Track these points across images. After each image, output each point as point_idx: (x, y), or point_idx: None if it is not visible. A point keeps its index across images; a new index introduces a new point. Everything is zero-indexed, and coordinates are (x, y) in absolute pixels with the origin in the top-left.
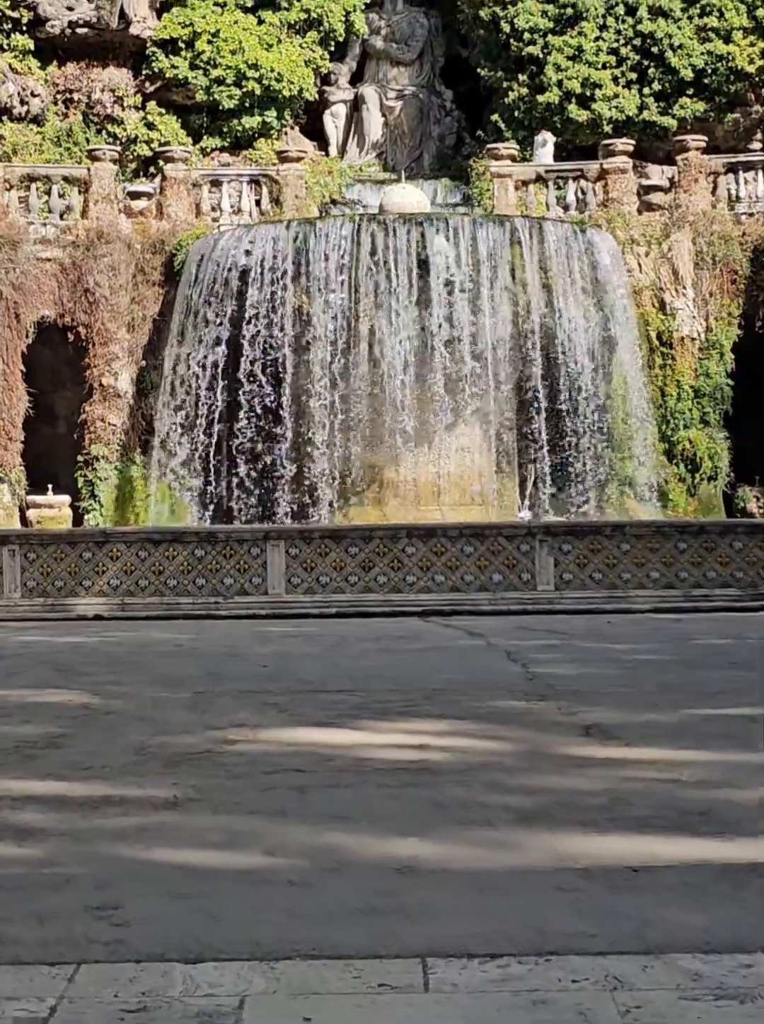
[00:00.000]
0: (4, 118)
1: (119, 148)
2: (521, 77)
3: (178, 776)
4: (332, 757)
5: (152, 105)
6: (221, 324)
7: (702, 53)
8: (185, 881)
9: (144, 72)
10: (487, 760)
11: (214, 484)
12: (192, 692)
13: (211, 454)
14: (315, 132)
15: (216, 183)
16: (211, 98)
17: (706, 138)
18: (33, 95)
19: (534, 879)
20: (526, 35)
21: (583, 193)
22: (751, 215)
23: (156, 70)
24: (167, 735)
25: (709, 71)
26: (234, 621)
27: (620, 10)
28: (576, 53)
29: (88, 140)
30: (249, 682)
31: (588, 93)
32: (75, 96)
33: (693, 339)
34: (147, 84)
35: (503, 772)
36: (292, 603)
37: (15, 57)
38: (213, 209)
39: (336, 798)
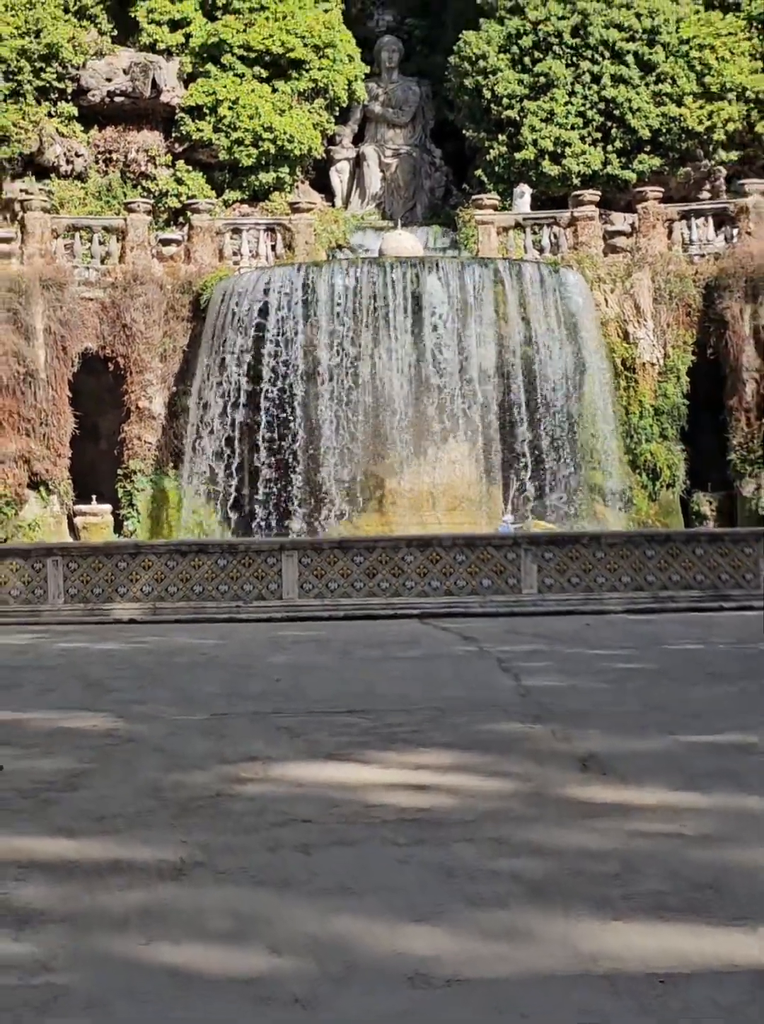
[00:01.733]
0: (52, 175)
1: (152, 201)
2: (501, 137)
3: (187, 829)
4: (340, 803)
5: (181, 163)
6: (242, 354)
7: (658, 115)
8: (181, 997)
9: (173, 134)
10: (493, 807)
11: (237, 494)
12: (209, 713)
13: (234, 468)
14: (322, 185)
15: (236, 231)
16: (232, 157)
17: (662, 189)
18: (77, 155)
19: (556, 994)
20: (505, 101)
21: (556, 238)
22: (702, 256)
23: (184, 133)
24: (181, 771)
25: (664, 131)
26: (253, 624)
27: (586, 78)
28: (548, 116)
29: (125, 194)
30: (264, 701)
31: (559, 151)
32: (113, 156)
33: (653, 364)
34: (176, 145)
35: (510, 823)
36: (304, 607)
37: (61, 122)
38: (234, 254)
39: (343, 862)
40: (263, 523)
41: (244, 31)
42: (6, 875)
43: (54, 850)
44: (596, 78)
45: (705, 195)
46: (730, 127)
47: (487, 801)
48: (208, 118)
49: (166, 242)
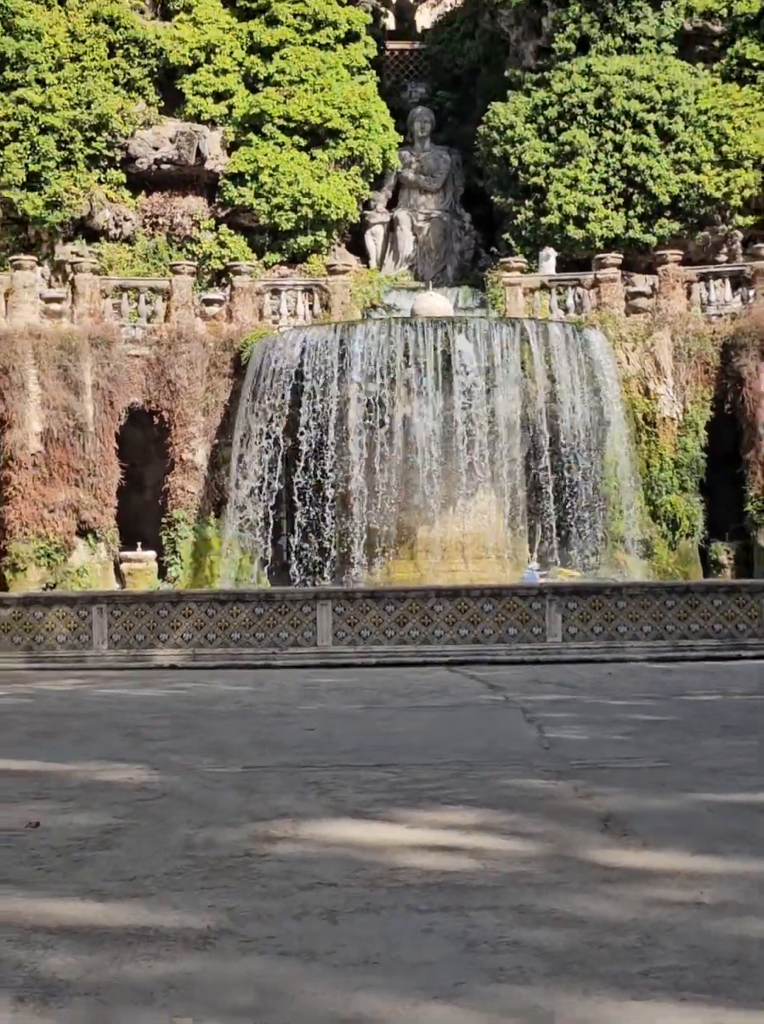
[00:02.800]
0: (102, 238)
1: (196, 263)
2: (527, 202)
3: (216, 893)
4: (365, 865)
5: (223, 227)
6: (280, 409)
7: (677, 182)
8: None
9: (217, 200)
10: (516, 871)
11: (275, 543)
12: (242, 766)
13: (271, 517)
14: (358, 248)
15: (276, 292)
16: (272, 221)
17: (681, 252)
18: (125, 219)
19: None
20: (531, 168)
21: (580, 298)
22: (720, 316)
23: (227, 198)
24: (213, 827)
25: (683, 196)
26: (288, 671)
27: (609, 147)
28: (573, 183)
29: (170, 256)
30: (295, 752)
31: (583, 215)
32: (160, 220)
33: (673, 419)
34: (219, 210)
35: (532, 890)
36: (337, 653)
37: (111, 188)
38: (274, 313)
39: (367, 931)
40: (299, 571)
41: (284, 102)
42: (35, 942)
43: (84, 915)
44: (618, 147)
45: (722, 258)
46: (746, 193)
47: (510, 864)
48: (250, 184)
49: (209, 302)
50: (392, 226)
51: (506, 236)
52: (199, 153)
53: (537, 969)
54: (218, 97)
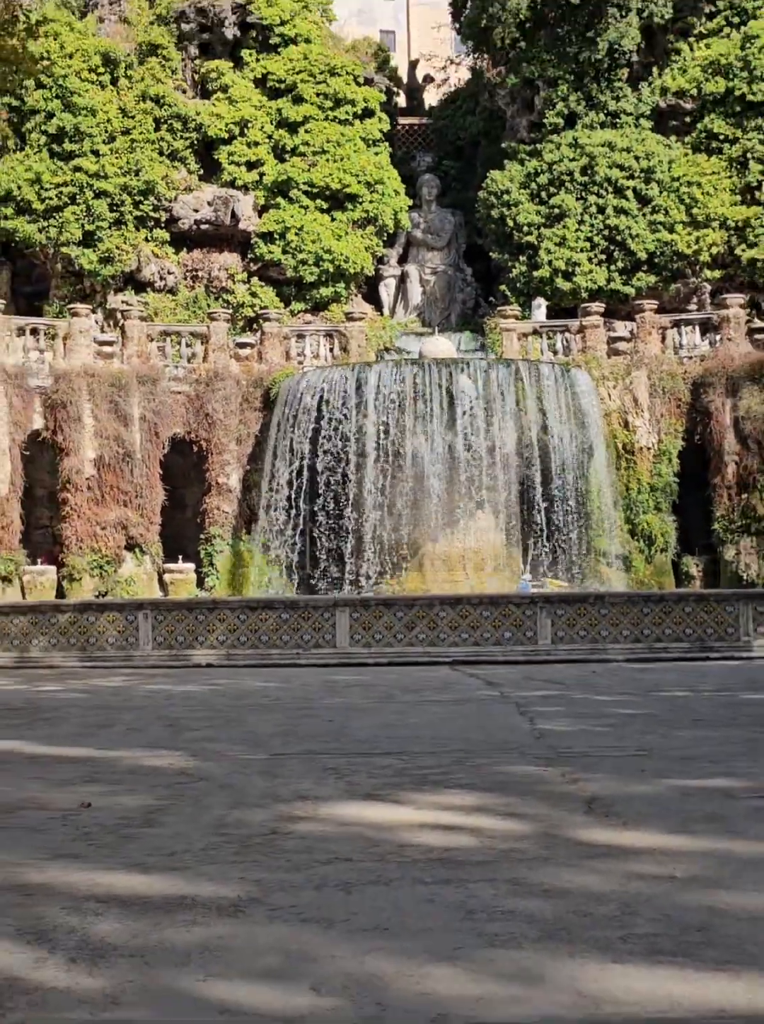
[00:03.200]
0: (148, 289)
1: (231, 311)
2: (521, 258)
3: (245, 867)
4: (377, 842)
5: (255, 280)
6: (304, 439)
7: (653, 240)
8: None
9: (249, 256)
10: (510, 847)
11: (299, 556)
12: (270, 754)
13: (297, 533)
14: (373, 298)
15: (300, 336)
16: (297, 274)
17: (656, 302)
18: (169, 273)
19: None
20: (525, 228)
21: (567, 342)
22: (690, 358)
23: (258, 254)
24: (243, 808)
25: (658, 253)
26: (311, 669)
27: (593, 209)
28: (561, 241)
29: (208, 305)
30: (316, 741)
31: (570, 270)
32: (199, 273)
33: (649, 448)
34: (251, 264)
35: (523, 864)
36: (354, 654)
37: (156, 246)
38: (299, 355)
39: (378, 901)
40: (321, 581)
41: (308, 170)
42: (86, 910)
43: (130, 885)
44: (601, 209)
45: (693, 307)
46: (713, 250)
47: (504, 841)
48: (278, 242)
49: (242, 345)
50: (403, 279)
51: (503, 287)
52: (234, 215)
53: (528, 935)
54: (250, 166)
